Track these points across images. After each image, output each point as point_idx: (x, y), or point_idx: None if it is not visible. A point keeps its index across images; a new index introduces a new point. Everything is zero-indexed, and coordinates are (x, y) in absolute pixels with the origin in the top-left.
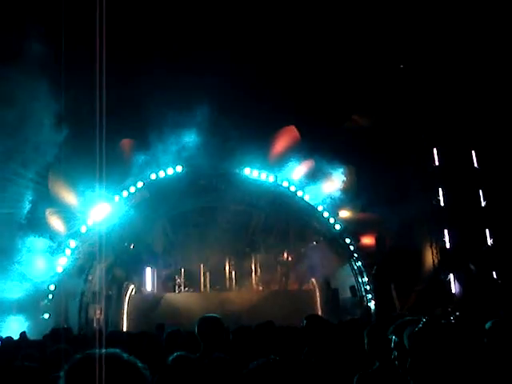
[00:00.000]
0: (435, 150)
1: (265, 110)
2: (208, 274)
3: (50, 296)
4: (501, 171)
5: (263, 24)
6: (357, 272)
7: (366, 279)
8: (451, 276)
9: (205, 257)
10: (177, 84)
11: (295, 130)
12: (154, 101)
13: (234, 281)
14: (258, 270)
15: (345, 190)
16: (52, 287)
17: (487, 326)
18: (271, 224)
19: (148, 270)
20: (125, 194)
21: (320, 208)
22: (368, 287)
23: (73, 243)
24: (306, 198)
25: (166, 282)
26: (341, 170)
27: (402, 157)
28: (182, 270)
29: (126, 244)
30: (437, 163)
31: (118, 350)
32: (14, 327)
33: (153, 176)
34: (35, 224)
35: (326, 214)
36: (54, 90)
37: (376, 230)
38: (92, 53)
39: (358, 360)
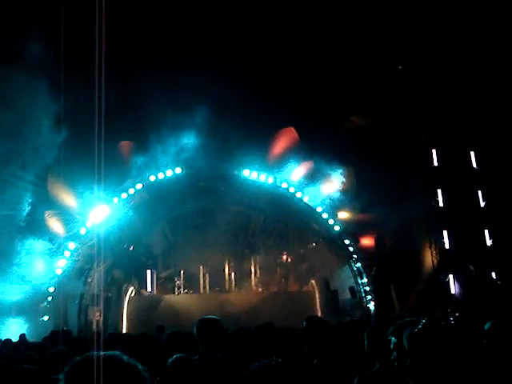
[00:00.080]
0: (434, 151)
1: (264, 111)
2: (207, 275)
3: (50, 298)
4: (500, 172)
5: (262, 25)
6: (356, 273)
7: (365, 280)
8: (450, 277)
9: (204, 258)
10: (176, 85)
11: (294, 131)
12: (153, 102)
13: (233, 282)
14: (258, 271)
15: (344, 191)
16: (51, 289)
17: (486, 326)
18: (270, 225)
19: (147, 272)
20: (124, 195)
21: (319, 209)
22: (367, 288)
23: (72, 245)
24: (306, 199)
25: (166, 284)
26: (340, 171)
27: (401, 158)
28: (182, 271)
29: (125, 246)
30: (436, 164)
31: (117, 352)
32: (14, 329)
33: (152, 178)
34: (34, 226)
35: (325, 215)
36: (53, 92)
37: (375, 230)
38: (91, 54)
39: (357, 361)
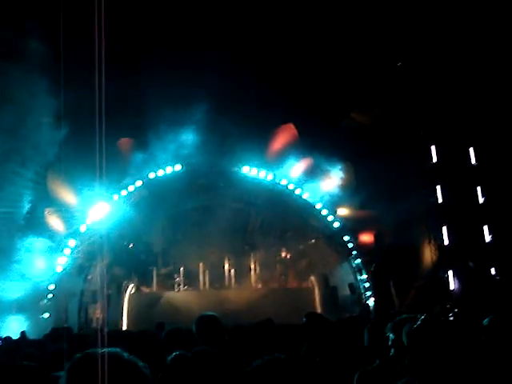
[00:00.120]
0: (433, 148)
1: (263, 107)
2: (207, 272)
3: (50, 295)
4: (499, 168)
5: (261, 22)
6: (355, 269)
7: (364, 276)
8: (450, 273)
9: (204, 255)
10: (175, 82)
11: (293, 127)
12: (153, 99)
13: (233, 279)
14: (257, 268)
15: (343, 188)
16: (52, 287)
17: (484, 322)
18: (270, 222)
19: (147, 269)
20: (124, 193)
21: (318, 206)
22: (367, 284)
23: (72, 242)
24: (305, 195)
25: (165, 281)
26: (339, 167)
27: (400, 154)
28: (181, 268)
29: (125, 243)
30: (435, 160)
31: (118, 350)
32: (14, 327)
33: (151, 175)
34: (34, 223)
35: (324, 212)
36: (53, 89)
37: (375, 227)
38: (91, 51)
39: (357, 358)
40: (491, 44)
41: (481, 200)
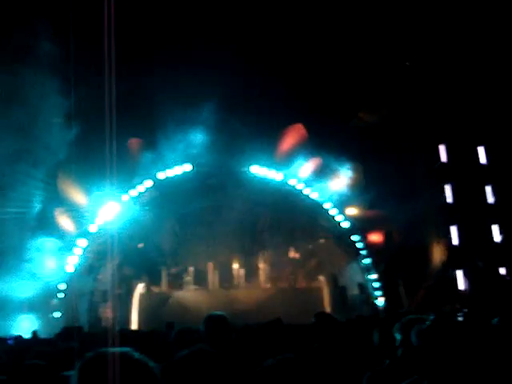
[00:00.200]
0: (442, 147)
1: (272, 108)
2: (216, 272)
3: (61, 295)
4: (508, 167)
5: (271, 22)
6: (365, 269)
7: (373, 276)
8: (459, 273)
9: (213, 255)
10: (184, 82)
11: (302, 127)
12: (162, 99)
13: (242, 278)
14: (266, 267)
15: (352, 187)
16: (62, 286)
17: (494, 322)
18: (279, 222)
19: (157, 269)
20: (134, 193)
21: (327, 205)
22: (376, 284)
23: (82, 242)
24: (314, 195)
25: (175, 281)
26: (348, 167)
27: (408, 154)
28: (191, 268)
29: (134, 243)
30: (444, 160)
31: (128, 349)
32: (25, 326)
33: (161, 175)
34: (45, 223)
35: (333, 212)
36: (63, 89)
37: (384, 227)
38: (101, 51)
39: (366, 357)
40: (500, 43)
41: (490, 200)
